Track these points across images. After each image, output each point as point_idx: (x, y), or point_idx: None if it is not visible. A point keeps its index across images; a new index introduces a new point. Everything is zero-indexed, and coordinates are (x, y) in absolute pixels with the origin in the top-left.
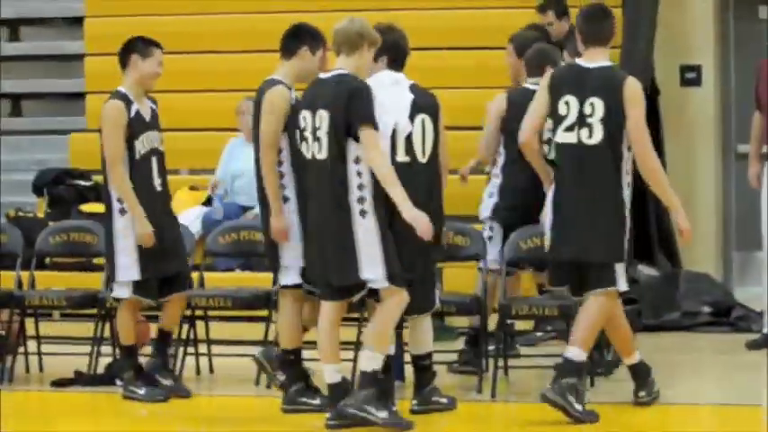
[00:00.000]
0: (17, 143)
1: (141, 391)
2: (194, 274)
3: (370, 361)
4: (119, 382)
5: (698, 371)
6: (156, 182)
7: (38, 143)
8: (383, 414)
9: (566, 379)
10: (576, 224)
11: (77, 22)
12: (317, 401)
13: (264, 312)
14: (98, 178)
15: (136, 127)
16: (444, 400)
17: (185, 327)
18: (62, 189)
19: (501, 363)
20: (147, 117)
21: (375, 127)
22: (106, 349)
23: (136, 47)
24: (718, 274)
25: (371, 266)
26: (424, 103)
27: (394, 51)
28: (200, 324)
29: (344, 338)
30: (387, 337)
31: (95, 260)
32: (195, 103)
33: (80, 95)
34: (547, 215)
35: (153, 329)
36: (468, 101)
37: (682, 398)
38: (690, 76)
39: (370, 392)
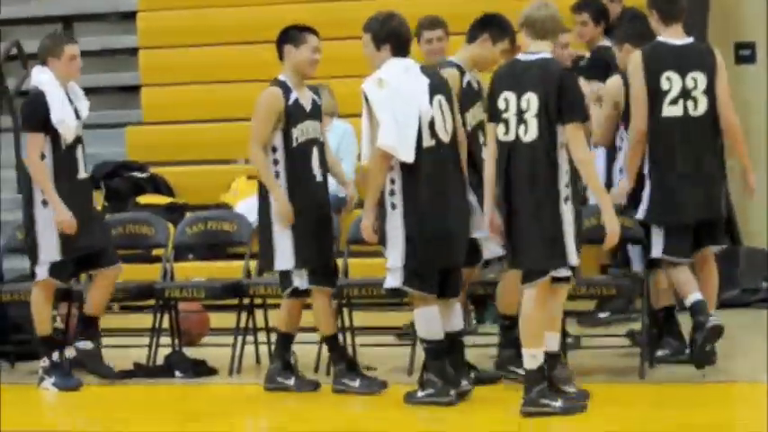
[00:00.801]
0: None
1: (355, 384)
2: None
3: (531, 360)
4: (178, 374)
5: (758, 347)
6: (317, 172)
7: (94, 137)
8: (558, 402)
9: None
10: (699, 187)
11: (130, 16)
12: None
13: None
14: (155, 170)
15: (294, 115)
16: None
17: (243, 315)
18: (119, 181)
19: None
20: (308, 107)
21: (584, 120)
22: (165, 340)
23: (288, 36)
24: None
25: (572, 253)
26: (437, 83)
27: (396, 38)
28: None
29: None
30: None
31: (153, 251)
32: (253, 93)
33: (135, 89)
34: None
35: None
36: None
37: (741, 374)
38: (744, 54)
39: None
